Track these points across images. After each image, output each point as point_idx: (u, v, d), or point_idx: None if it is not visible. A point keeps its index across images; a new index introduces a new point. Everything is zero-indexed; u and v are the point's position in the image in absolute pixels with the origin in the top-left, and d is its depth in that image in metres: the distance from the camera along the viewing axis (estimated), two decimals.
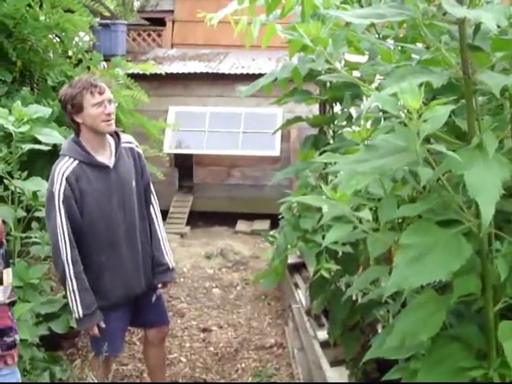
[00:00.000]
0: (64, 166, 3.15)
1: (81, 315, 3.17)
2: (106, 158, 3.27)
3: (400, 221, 2.14)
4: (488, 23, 1.40)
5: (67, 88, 3.19)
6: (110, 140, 3.32)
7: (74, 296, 3.15)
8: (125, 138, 3.42)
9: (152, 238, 3.51)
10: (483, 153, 1.53)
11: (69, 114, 3.18)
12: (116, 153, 3.30)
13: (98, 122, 3.15)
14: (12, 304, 2.69)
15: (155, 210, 3.55)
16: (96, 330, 3.24)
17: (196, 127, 9.35)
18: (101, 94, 3.13)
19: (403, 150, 1.56)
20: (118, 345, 3.56)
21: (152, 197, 3.53)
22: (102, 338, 3.28)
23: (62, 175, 3.12)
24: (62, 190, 3.10)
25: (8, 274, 2.75)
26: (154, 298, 3.58)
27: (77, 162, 3.17)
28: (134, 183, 3.36)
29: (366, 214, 1.74)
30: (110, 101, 3.19)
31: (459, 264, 1.58)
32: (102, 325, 3.25)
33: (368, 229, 1.88)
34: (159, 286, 3.56)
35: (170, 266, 3.55)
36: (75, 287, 3.14)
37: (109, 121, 3.18)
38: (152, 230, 3.52)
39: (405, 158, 1.56)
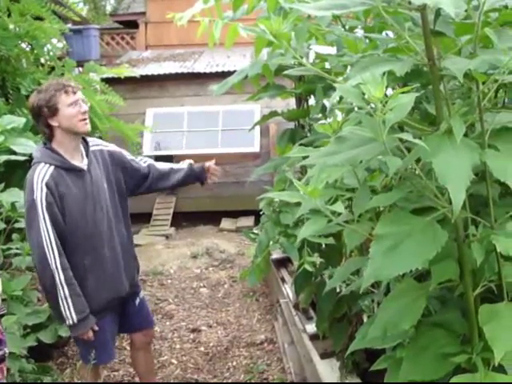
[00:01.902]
0: (42, 173, 3.09)
1: (75, 321, 3.13)
2: (79, 161, 3.24)
3: (382, 210, 2.13)
4: (446, 8, 1.39)
5: (38, 94, 3.15)
6: (80, 144, 3.30)
7: (67, 302, 3.10)
8: (92, 141, 3.39)
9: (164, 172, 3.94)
10: (452, 138, 1.52)
11: (43, 119, 3.13)
12: (87, 155, 3.27)
13: (75, 121, 3.13)
14: (1, 316, 2.67)
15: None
16: (91, 334, 3.21)
17: (174, 128, 9.35)
18: (74, 93, 3.13)
19: (371, 140, 1.55)
20: (111, 351, 3.53)
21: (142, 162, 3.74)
22: (94, 346, 3.26)
23: (42, 182, 3.07)
24: (43, 197, 3.05)
25: None
26: (137, 302, 3.56)
27: (53, 167, 3.12)
28: (105, 185, 3.33)
29: (338, 206, 1.73)
30: (83, 100, 3.18)
31: (435, 251, 1.56)
32: (96, 328, 3.22)
33: (343, 221, 1.88)
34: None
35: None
36: (67, 293, 3.09)
37: (85, 119, 3.17)
38: (162, 171, 3.95)
39: (374, 149, 1.55)
